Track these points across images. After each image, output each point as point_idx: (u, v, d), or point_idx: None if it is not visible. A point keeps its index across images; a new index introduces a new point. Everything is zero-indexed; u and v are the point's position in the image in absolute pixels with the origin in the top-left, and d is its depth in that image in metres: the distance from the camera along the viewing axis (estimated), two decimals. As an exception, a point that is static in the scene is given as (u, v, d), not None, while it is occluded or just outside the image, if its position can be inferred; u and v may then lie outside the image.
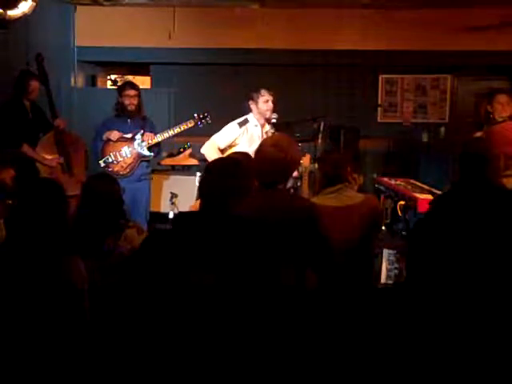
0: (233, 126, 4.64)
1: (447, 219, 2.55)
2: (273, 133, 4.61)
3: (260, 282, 2.05)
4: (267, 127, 4.74)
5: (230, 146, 4.59)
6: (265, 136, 4.57)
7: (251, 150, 3.84)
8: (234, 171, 2.21)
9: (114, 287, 2.82)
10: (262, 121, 4.71)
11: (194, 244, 2.05)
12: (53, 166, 4.87)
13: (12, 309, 2.24)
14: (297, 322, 2.41)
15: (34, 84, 4.84)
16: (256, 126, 4.68)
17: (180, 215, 2.32)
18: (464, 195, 2.55)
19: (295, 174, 4.66)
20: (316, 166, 5.01)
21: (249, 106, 4.70)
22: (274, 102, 4.69)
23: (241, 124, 4.63)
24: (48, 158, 4.89)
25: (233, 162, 2.33)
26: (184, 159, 6.14)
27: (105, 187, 3.04)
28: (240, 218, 2.11)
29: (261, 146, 2.85)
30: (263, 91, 4.67)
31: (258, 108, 4.66)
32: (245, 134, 4.62)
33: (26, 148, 4.76)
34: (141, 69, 8.27)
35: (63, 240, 2.40)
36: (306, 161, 5.09)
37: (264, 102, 4.65)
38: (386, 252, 3.68)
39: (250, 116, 4.69)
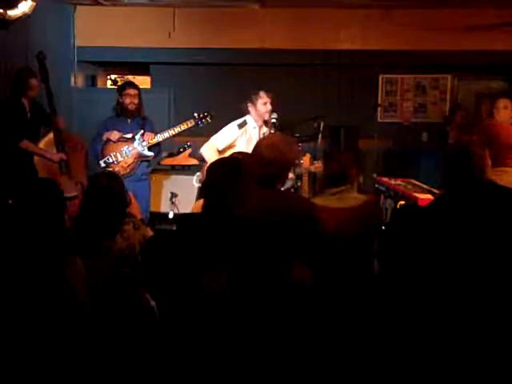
0: (232, 127, 4.64)
1: (444, 220, 2.54)
2: (271, 133, 4.60)
3: (270, 279, 2.05)
4: (264, 129, 4.72)
5: (229, 148, 4.59)
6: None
7: (249, 151, 3.84)
8: (234, 171, 2.22)
9: (113, 283, 2.83)
10: (260, 122, 4.70)
11: (200, 246, 2.05)
12: (54, 161, 4.75)
13: (10, 309, 2.24)
14: (304, 319, 2.42)
15: (33, 82, 4.72)
16: (254, 127, 4.68)
17: (183, 217, 2.32)
18: (458, 195, 2.53)
19: (292, 175, 4.65)
20: (315, 166, 4.99)
21: (247, 107, 4.70)
22: (272, 104, 4.68)
23: (240, 126, 4.63)
24: (50, 152, 4.76)
25: (233, 162, 2.34)
26: (184, 159, 6.13)
27: (112, 185, 3.04)
28: (242, 219, 2.11)
29: (256, 145, 2.85)
30: (261, 93, 4.66)
31: (256, 110, 4.66)
32: (243, 136, 4.63)
33: (25, 143, 4.65)
34: (141, 69, 8.25)
35: (61, 240, 2.40)
36: (306, 161, 5.08)
37: (262, 105, 4.65)
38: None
39: (248, 118, 4.69)
